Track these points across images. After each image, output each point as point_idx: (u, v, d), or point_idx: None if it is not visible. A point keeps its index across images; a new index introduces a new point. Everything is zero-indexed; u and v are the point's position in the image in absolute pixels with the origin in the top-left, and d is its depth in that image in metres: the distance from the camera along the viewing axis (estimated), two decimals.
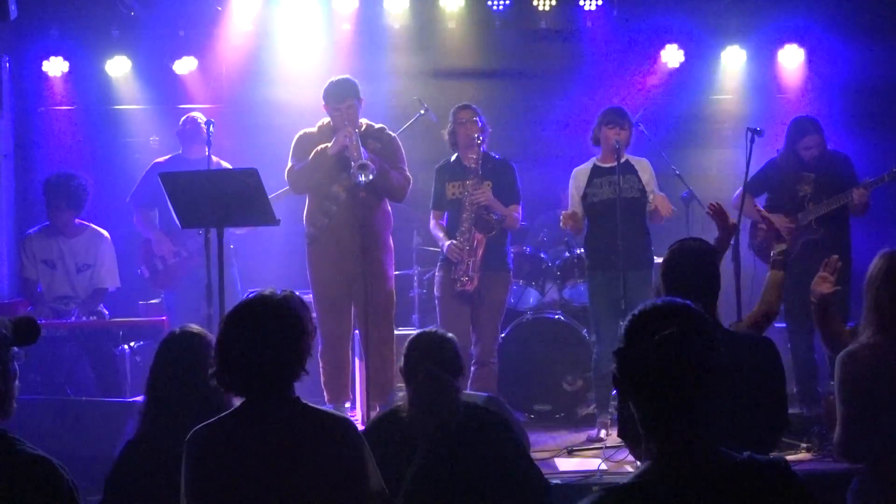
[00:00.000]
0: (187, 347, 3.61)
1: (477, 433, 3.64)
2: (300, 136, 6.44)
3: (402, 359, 3.75)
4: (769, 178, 6.81)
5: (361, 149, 6.07)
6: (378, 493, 3.06)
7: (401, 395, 3.82)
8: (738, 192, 6.61)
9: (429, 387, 3.62)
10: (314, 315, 6.43)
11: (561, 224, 6.42)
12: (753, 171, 6.58)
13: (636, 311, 2.15)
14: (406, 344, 3.78)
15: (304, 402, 3.01)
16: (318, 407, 3.05)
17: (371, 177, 5.96)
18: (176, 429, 3.15)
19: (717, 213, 4.88)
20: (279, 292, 3.04)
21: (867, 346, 3.58)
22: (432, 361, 3.65)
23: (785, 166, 6.74)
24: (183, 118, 7.34)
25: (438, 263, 6.66)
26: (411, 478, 3.52)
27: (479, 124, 6.53)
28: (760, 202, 6.88)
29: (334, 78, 6.35)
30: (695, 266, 3.80)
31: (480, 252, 6.39)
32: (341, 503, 2.93)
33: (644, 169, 6.52)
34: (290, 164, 6.38)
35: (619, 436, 3.92)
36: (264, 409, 2.95)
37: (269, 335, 2.94)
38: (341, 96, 6.24)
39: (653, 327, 2.08)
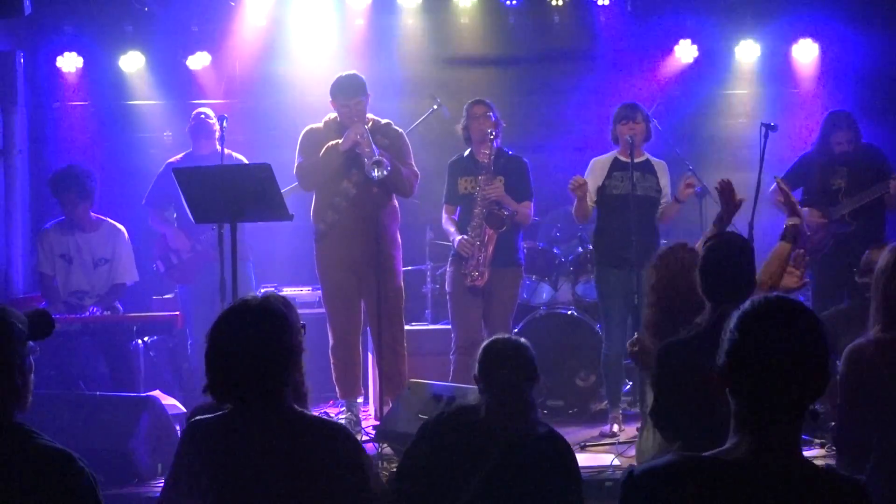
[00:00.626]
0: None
1: (551, 456, 3.59)
2: (307, 133, 6.43)
3: (477, 364, 3.69)
4: (803, 172, 6.84)
5: (373, 145, 6.07)
6: (382, 496, 3.04)
7: (471, 397, 3.76)
8: (772, 186, 6.66)
9: (506, 399, 3.55)
10: (324, 310, 6.48)
11: (570, 186, 6.28)
12: (769, 165, 6.56)
13: (748, 306, 2.15)
14: (481, 349, 3.72)
15: (299, 409, 2.97)
16: (313, 414, 3.01)
17: (385, 172, 5.97)
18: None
19: (725, 189, 4.86)
20: (259, 296, 3.02)
21: (874, 342, 3.56)
22: (508, 369, 3.58)
23: (818, 160, 6.77)
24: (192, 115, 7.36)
25: (449, 258, 6.66)
26: (481, 480, 3.48)
27: (493, 119, 6.52)
28: (796, 197, 6.91)
29: (342, 74, 6.34)
30: (737, 261, 3.80)
31: (491, 248, 6.39)
32: None
33: (662, 172, 6.53)
34: (298, 161, 6.38)
35: (655, 425, 3.86)
36: (256, 415, 2.91)
37: (252, 338, 2.90)
38: (350, 93, 6.22)
39: (774, 321, 2.10)
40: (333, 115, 6.37)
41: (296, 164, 6.38)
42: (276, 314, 2.95)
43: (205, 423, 2.96)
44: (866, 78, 8.28)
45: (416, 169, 6.44)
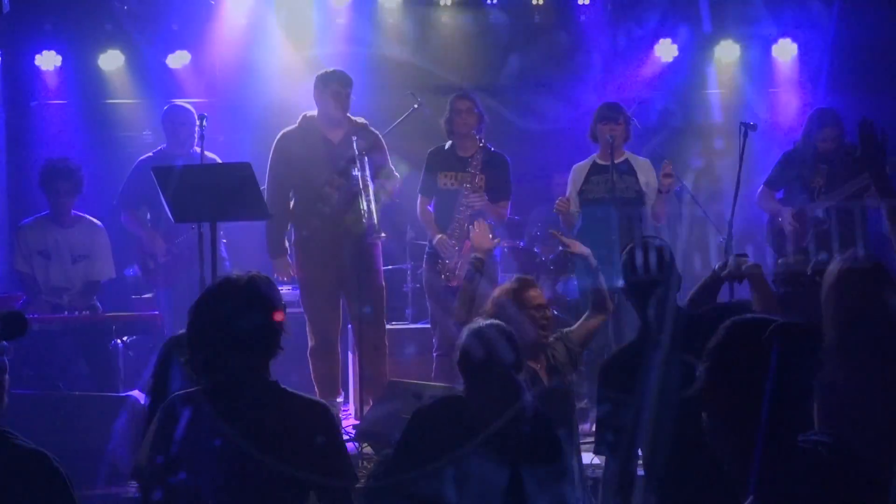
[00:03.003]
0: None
1: (548, 435, 3.59)
2: (279, 142, 6.36)
3: (459, 352, 3.64)
4: (785, 171, 6.78)
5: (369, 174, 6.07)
6: (353, 478, 3.08)
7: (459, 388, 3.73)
8: (759, 189, 6.73)
9: (496, 387, 3.52)
10: (301, 309, 6.46)
11: (555, 208, 6.40)
12: (749, 164, 6.58)
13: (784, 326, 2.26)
14: (464, 336, 3.67)
15: (282, 385, 3.02)
16: (295, 391, 3.05)
17: (391, 199, 6.09)
18: None
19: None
20: (244, 275, 3.05)
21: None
22: (493, 355, 3.54)
23: (801, 158, 6.72)
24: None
25: (425, 256, 6.63)
26: (476, 470, 3.44)
27: (477, 113, 6.49)
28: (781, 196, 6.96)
29: (331, 69, 6.34)
30: (648, 262, 3.78)
31: (469, 251, 6.38)
32: (317, 484, 2.97)
33: (645, 170, 6.51)
34: (268, 177, 6.31)
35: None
36: (239, 388, 2.96)
37: (237, 314, 2.95)
38: (346, 81, 6.25)
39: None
40: (311, 113, 6.33)
41: (266, 179, 6.31)
42: (261, 291, 3.02)
43: (183, 398, 3.00)
44: (847, 76, 8.30)
45: (396, 173, 6.43)
